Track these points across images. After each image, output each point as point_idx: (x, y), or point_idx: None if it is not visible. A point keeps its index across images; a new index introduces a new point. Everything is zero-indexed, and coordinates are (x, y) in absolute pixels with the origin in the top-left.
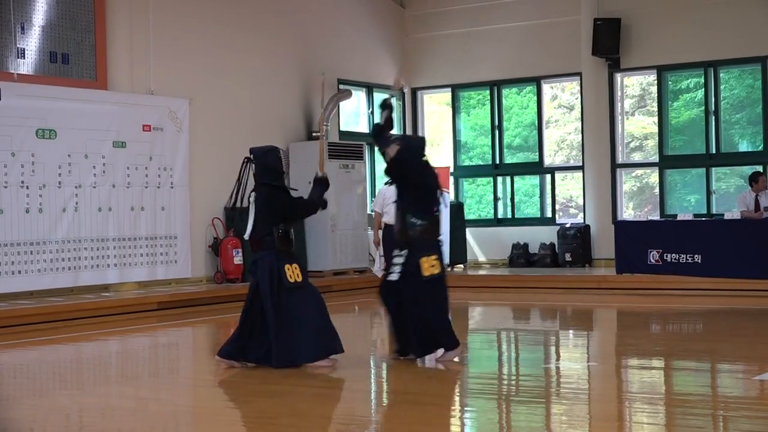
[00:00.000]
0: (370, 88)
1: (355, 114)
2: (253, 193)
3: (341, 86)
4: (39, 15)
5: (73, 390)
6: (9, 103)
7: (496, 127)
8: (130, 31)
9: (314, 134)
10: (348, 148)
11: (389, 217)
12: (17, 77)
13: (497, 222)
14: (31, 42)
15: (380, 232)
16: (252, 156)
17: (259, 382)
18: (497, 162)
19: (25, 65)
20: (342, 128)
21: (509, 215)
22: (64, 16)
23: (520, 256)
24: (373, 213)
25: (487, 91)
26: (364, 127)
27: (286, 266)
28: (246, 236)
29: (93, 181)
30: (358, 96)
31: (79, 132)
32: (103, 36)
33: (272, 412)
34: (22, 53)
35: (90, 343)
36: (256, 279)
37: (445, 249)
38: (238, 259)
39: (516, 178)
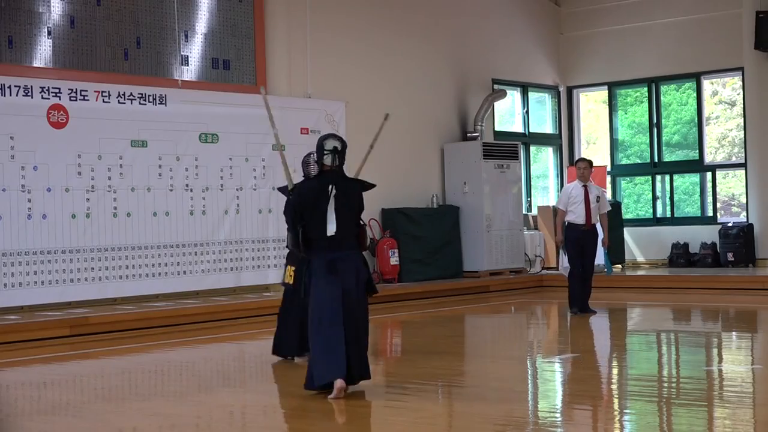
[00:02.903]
0: (524, 88)
1: (510, 113)
2: (333, 186)
3: (496, 86)
4: (201, 23)
5: (236, 387)
6: (174, 109)
7: (654, 125)
8: (288, 37)
9: (468, 135)
10: (503, 148)
11: (574, 215)
12: (181, 84)
13: (656, 221)
14: (194, 49)
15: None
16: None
17: (416, 380)
18: (656, 160)
19: (189, 72)
20: (497, 128)
21: (668, 214)
22: (225, 23)
23: (680, 256)
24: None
25: (645, 88)
26: (519, 127)
27: None
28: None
29: (253, 183)
30: (513, 95)
31: (239, 136)
32: (262, 42)
33: (431, 412)
34: (185, 60)
35: (252, 341)
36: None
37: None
38: (394, 260)
39: (675, 176)
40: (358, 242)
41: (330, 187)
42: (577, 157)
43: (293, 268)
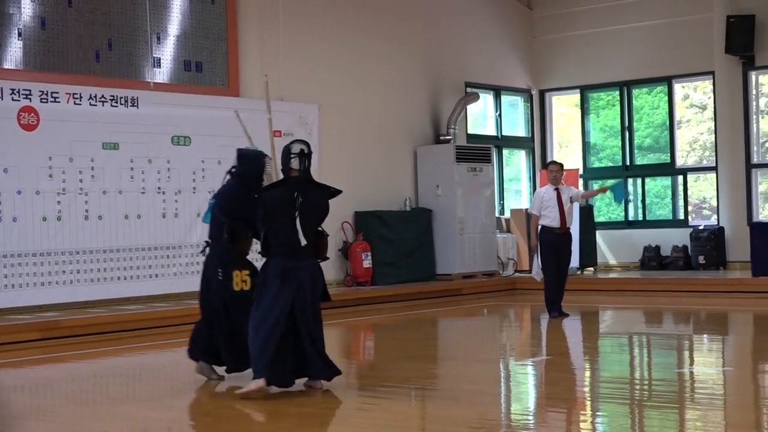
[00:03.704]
0: (497, 91)
1: (483, 117)
2: (299, 193)
3: (468, 89)
4: (173, 25)
5: (208, 391)
6: (146, 112)
7: (626, 128)
8: (261, 39)
9: (441, 138)
10: (475, 151)
11: (548, 219)
12: (153, 86)
13: (628, 224)
14: (166, 51)
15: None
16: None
17: (388, 383)
18: (627, 163)
19: (161, 74)
20: (470, 131)
21: (640, 217)
22: (197, 26)
23: (652, 258)
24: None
25: (617, 92)
26: (491, 130)
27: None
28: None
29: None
30: (486, 99)
31: (212, 138)
32: (234, 44)
33: (404, 415)
34: (158, 62)
35: None
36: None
37: (575, 251)
38: (367, 263)
39: (647, 180)
40: (317, 250)
41: (296, 194)
42: (549, 160)
43: (246, 272)
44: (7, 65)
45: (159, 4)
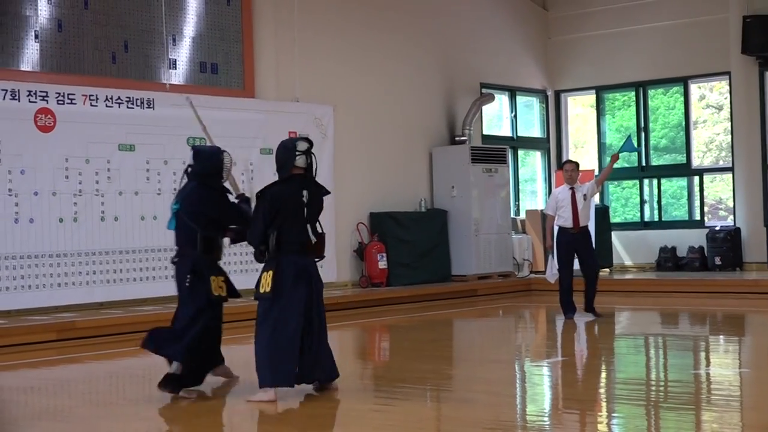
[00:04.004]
0: (512, 92)
1: (498, 117)
2: (306, 192)
3: (484, 90)
4: (189, 26)
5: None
6: (161, 113)
7: (642, 129)
8: (276, 41)
9: (457, 138)
10: (491, 152)
11: (562, 219)
12: (169, 87)
13: (644, 225)
14: (182, 53)
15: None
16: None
17: (403, 384)
18: (643, 164)
19: (177, 75)
20: (485, 132)
21: (656, 218)
22: (213, 27)
23: (668, 259)
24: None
25: (633, 93)
26: (507, 131)
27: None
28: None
29: (241, 187)
30: (501, 99)
31: (228, 140)
32: (250, 46)
33: (418, 416)
34: (173, 64)
35: (240, 345)
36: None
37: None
38: (382, 264)
39: (663, 180)
40: (315, 249)
41: (303, 192)
42: (564, 160)
43: (222, 278)
44: (24, 67)
45: (174, 5)
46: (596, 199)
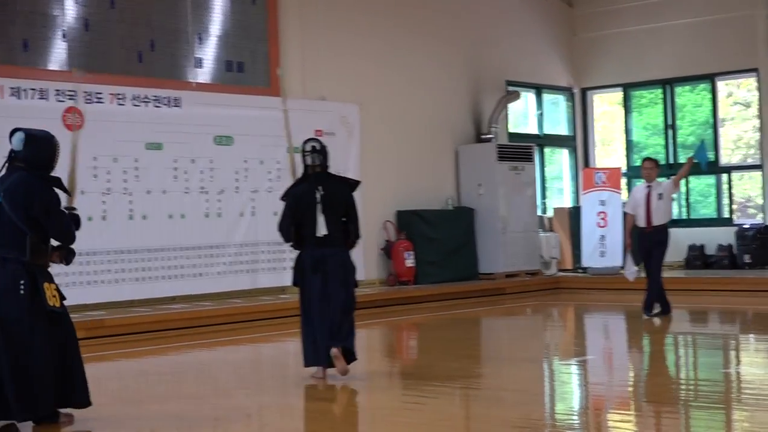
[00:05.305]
0: (539, 89)
1: (524, 115)
2: (321, 188)
3: (509, 88)
4: (215, 25)
5: (252, 389)
6: (188, 112)
7: (670, 126)
8: (302, 39)
9: (483, 137)
10: (517, 150)
11: (636, 218)
12: (196, 86)
13: (672, 223)
14: (208, 51)
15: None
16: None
17: (432, 383)
18: (671, 162)
19: (203, 74)
20: (511, 130)
21: (684, 216)
22: (238, 26)
23: (697, 257)
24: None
25: (660, 90)
26: (533, 129)
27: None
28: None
29: (268, 185)
30: (527, 97)
31: (254, 138)
32: (276, 44)
33: (447, 414)
34: (199, 63)
35: (268, 344)
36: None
37: (618, 251)
38: (410, 262)
39: (691, 178)
40: (344, 240)
41: (318, 189)
42: (591, 159)
43: (55, 287)
44: (52, 66)
45: (200, 4)
46: (622, 197)
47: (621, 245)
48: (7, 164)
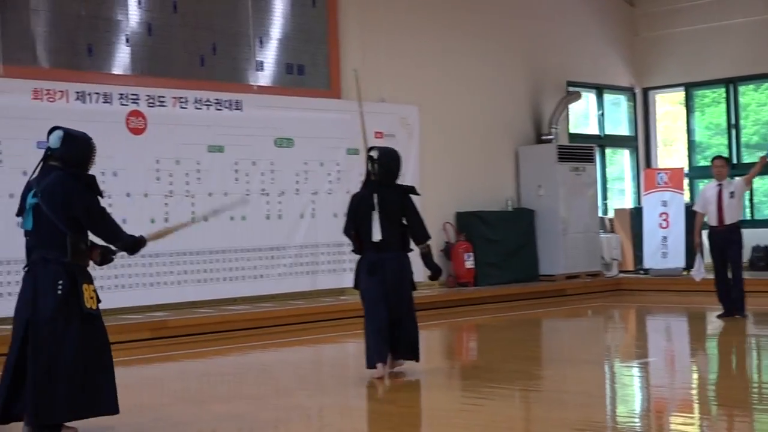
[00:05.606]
0: (600, 90)
1: (585, 116)
2: (376, 195)
3: (570, 88)
4: (276, 28)
5: (313, 390)
6: (249, 114)
7: (733, 126)
8: (362, 41)
9: (543, 137)
10: (578, 151)
11: (708, 216)
12: (257, 89)
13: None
14: (269, 54)
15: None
16: (377, 156)
17: (491, 384)
18: (734, 161)
19: (264, 77)
20: (571, 130)
21: (748, 216)
22: (299, 29)
23: (761, 258)
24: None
25: (723, 89)
26: (594, 129)
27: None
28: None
29: (328, 187)
30: (588, 97)
31: (314, 140)
32: (336, 47)
33: (507, 416)
34: (260, 66)
35: (328, 344)
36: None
37: (680, 252)
38: (469, 264)
39: (755, 178)
40: (402, 244)
41: (374, 196)
42: (653, 159)
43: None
44: (116, 71)
45: (261, 8)
46: (685, 197)
47: (683, 245)
48: (41, 163)
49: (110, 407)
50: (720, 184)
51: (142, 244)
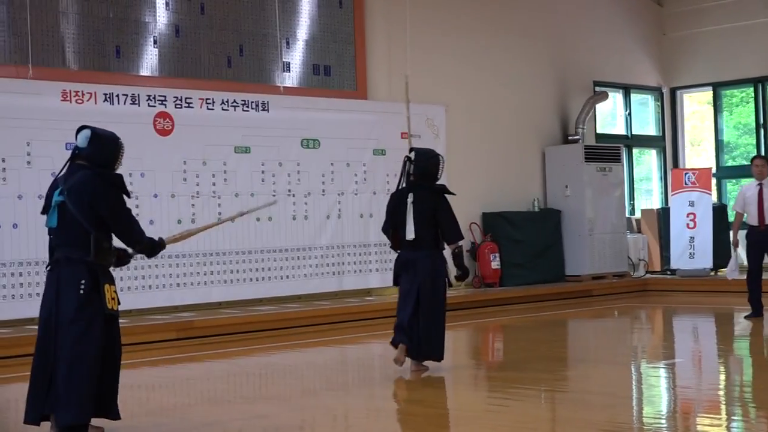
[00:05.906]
0: (627, 90)
1: (612, 116)
2: (411, 194)
3: (597, 88)
4: (302, 29)
5: (338, 391)
6: (276, 115)
7: (761, 126)
8: (388, 42)
9: (570, 137)
10: (605, 151)
11: (749, 217)
12: (283, 90)
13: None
14: (296, 56)
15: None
16: (413, 157)
17: (517, 385)
18: None
19: (290, 78)
20: (598, 131)
21: None
22: (325, 30)
23: None
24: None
25: (751, 89)
26: (621, 129)
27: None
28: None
29: (355, 188)
30: (615, 97)
31: (341, 141)
32: (362, 47)
33: (533, 417)
34: (287, 67)
35: (354, 345)
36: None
37: (707, 252)
38: (495, 264)
39: None
40: (435, 243)
41: (408, 196)
42: (681, 160)
43: (114, 288)
44: (144, 72)
45: (288, 9)
46: (713, 198)
47: (711, 245)
48: (69, 162)
49: (115, 412)
50: (760, 184)
51: (161, 247)
